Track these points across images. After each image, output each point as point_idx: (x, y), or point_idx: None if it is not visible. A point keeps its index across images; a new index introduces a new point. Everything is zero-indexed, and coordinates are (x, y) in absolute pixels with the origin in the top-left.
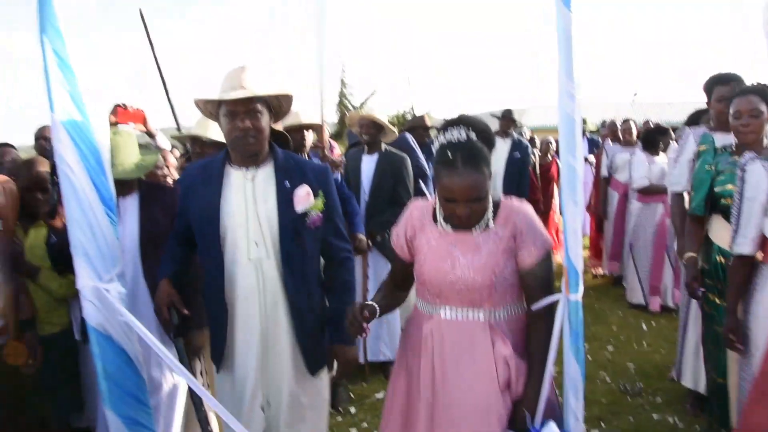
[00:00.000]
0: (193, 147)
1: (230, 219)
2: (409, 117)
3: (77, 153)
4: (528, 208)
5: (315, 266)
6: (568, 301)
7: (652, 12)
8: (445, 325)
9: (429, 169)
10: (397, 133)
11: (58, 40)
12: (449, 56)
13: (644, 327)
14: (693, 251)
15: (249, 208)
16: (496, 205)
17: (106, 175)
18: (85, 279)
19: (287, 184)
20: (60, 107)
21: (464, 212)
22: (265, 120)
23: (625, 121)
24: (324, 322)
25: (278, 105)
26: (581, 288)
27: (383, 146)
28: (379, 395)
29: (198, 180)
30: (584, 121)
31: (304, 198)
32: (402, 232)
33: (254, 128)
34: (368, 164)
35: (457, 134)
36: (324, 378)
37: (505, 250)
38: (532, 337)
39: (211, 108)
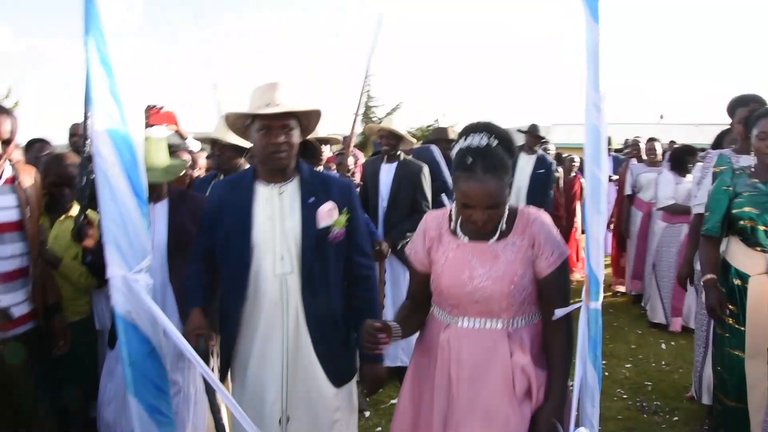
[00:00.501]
0: (213, 149)
1: (258, 234)
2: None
3: (113, 147)
4: (545, 216)
5: (338, 281)
6: (588, 309)
7: (680, 32)
8: (463, 334)
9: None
10: (415, 143)
11: (101, 40)
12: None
13: (663, 346)
14: (712, 272)
15: (276, 223)
16: (514, 214)
17: (139, 169)
18: (115, 268)
19: (312, 200)
20: (99, 103)
21: (481, 218)
22: (296, 136)
23: (650, 140)
24: (349, 337)
25: (306, 121)
26: (601, 296)
27: (402, 155)
28: (394, 401)
29: (228, 195)
30: (609, 140)
31: (327, 213)
32: (419, 246)
33: (287, 143)
34: (387, 173)
35: (478, 140)
36: (350, 391)
37: (523, 259)
38: (553, 346)
39: (241, 122)
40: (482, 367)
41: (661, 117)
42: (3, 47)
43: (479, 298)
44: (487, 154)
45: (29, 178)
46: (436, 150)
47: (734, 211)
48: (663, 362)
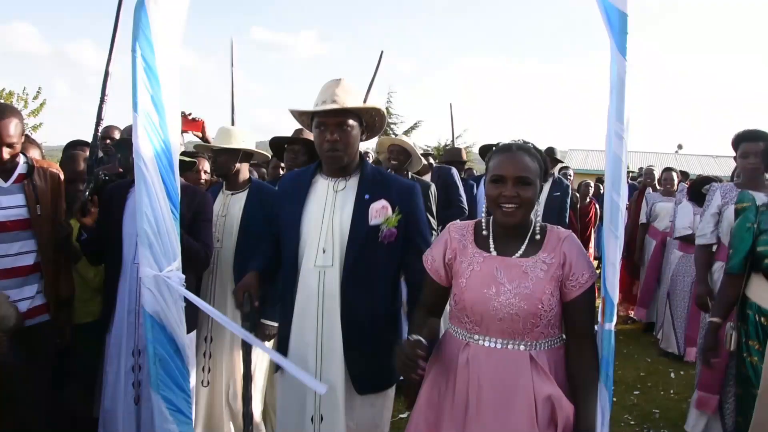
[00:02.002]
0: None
1: (306, 225)
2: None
3: (153, 151)
4: (574, 237)
5: (385, 285)
6: (603, 329)
7: (700, 64)
8: (484, 354)
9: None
10: (422, 163)
11: (148, 48)
12: (494, 97)
13: (672, 375)
14: (719, 316)
15: (326, 216)
16: (543, 232)
17: (174, 175)
18: (146, 268)
19: (367, 196)
20: (142, 108)
21: (511, 193)
22: (354, 134)
23: (667, 170)
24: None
25: (372, 120)
26: (615, 318)
27: (410, 174)
28: (404, 415)
29: (290, 187)
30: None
31: (379, 211)
32: (439, 255)
33: (341, 141)
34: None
35: (518, 140)
36: (382, 402)
37: (553, 278)
38: (579, 373)
39: (305, 119)
40: (503, 393)
41: (680, 147)
42: (29, 48)
43: (504, 316)
44: (523, 145)
45: (48, 176)
46: (455, 173)
47: (759, 248)
48: (672, 391)
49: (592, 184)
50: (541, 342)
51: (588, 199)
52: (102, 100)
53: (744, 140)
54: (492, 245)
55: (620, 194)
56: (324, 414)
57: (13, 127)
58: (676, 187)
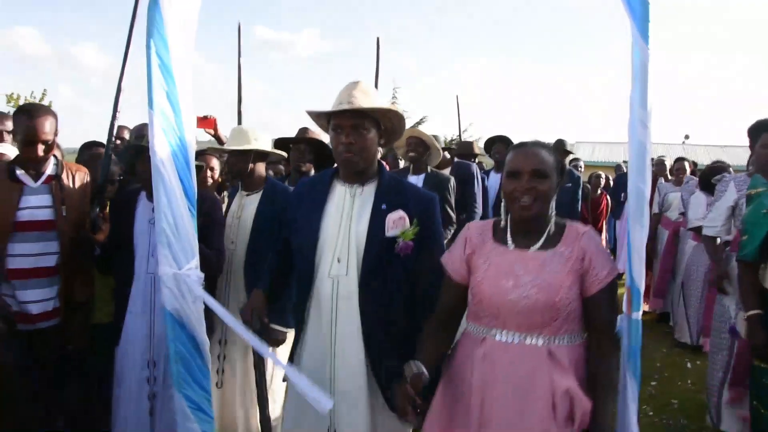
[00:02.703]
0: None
1: (323, 232)
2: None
3: (169, 149)
4: (594, 232)
5: (400, 296)
6: (630, 319)
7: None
8: (500, 349)
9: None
10: (441, 156)
11: (162, 45)
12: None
13: (689, 365)
14: (755, 306)
15: (343, 224)
16: (562, 227)
17: (191, 172)
18: (165, 266)
19: (384, 206)
20: (158, 106)
21: (527, 186)
22: (370, 137)
23: (679, 160)
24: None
25: (390, 124)
26: (642, 307)
27: (429, 168)
28: None
29: (306, 191)
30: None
31: (396, 222)
32: (459, 252)
33: (357, 144)
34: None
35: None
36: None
37: (571, 271)
38: (600, 368)
39: (324, 123)
40: (521, 387)
41: (687, 137)
42: (31, 50)
43: (522, 309)
44: (538, 141)
45: (76, 178)
46: (476, 170)
47: None
48: (689, 381)
49: (603, 176)
50: (560, 337)
51: (599, 191)
52: (114, 116)
53: (765, 130)
54: (510, 239)
55: (646, 182)
56: (343, 427)
57: (48, 125)
58: (687, 176)
